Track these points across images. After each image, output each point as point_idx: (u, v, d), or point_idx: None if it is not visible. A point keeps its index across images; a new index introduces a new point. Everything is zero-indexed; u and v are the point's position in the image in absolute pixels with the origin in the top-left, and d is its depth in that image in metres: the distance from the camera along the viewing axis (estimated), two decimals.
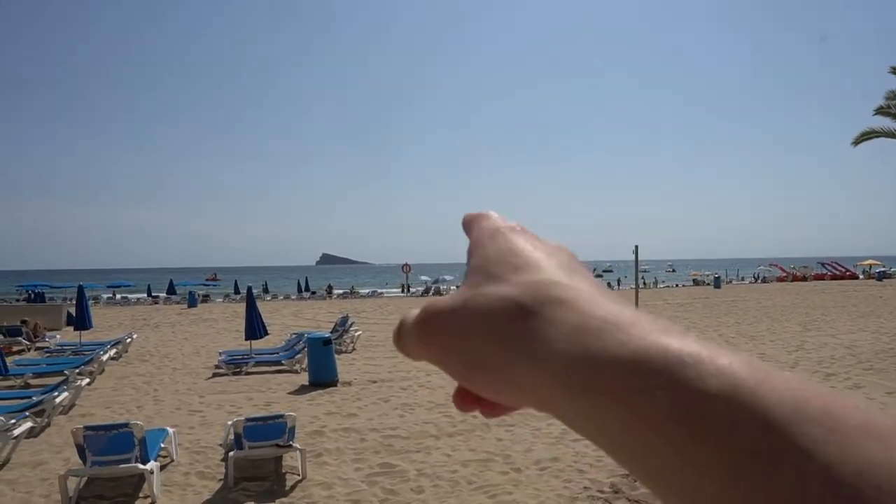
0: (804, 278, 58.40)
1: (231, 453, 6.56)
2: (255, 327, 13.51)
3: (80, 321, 15.61)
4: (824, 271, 61.49)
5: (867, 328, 18.63)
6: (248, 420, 6.57)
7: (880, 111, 17.16)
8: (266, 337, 14.43)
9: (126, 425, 6.05)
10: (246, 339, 13.68)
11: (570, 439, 7.75)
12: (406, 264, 49.11)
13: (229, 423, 7.03)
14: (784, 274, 62.53)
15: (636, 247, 20.96)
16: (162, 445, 7.09)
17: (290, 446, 6.55)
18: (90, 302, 20.52)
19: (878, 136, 17.72)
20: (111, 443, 6.03)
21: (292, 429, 6.72)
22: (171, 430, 7.57)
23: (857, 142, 18.02)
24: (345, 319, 17.50)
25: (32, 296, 32.55)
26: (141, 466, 5.98)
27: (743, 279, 66.25)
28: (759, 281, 61.05)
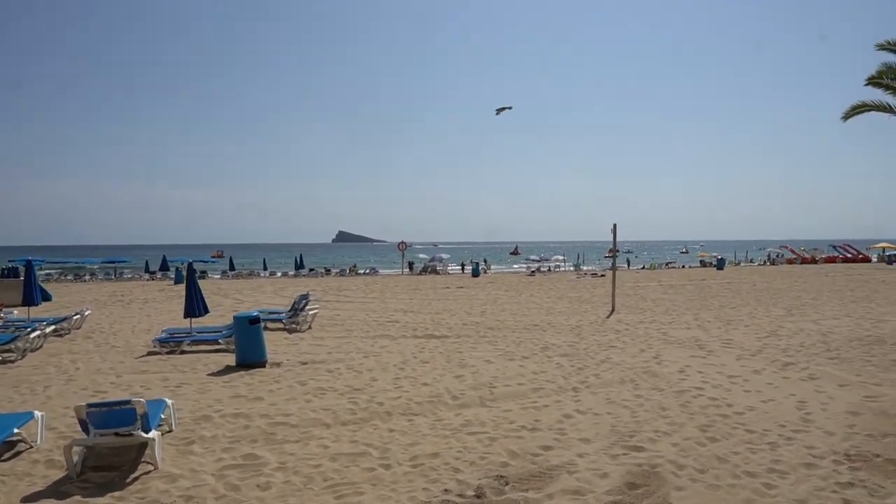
0: (814, 260, 56.93)
1: (74, 441, 6.02)
2: (194, 305, 12.97)
3: (29, 297, 15.19)
4: (836, 254, 59.86)
5: (854, 313, 17.71)
6: (89, 406, 6.00)
7: (871, 81, 16.09)
8: (208, 315, 13.90)
9: None
10: (185, 318, 13.15)
11: (467, 432, 7.12)
12: (402, 242, 48.43)
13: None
14: (793, 256, 60.99)
15: (614, 225, 20.09)
16: (15, 430, 6.59)
17: (131, 435, 5.98)
18: (37, 277, 20.04)
19: (869, 110, 16.62)
20: None
21: (144, 415, 6.13)
22: (38, 414, 7.07)
23: (846, 116, 16.92)
24: (303, 297, 16.93)
25: (6, 272, 31.91)
26: None
27: (752, 261, 64.77)
28: (769, 263, 59.63)
